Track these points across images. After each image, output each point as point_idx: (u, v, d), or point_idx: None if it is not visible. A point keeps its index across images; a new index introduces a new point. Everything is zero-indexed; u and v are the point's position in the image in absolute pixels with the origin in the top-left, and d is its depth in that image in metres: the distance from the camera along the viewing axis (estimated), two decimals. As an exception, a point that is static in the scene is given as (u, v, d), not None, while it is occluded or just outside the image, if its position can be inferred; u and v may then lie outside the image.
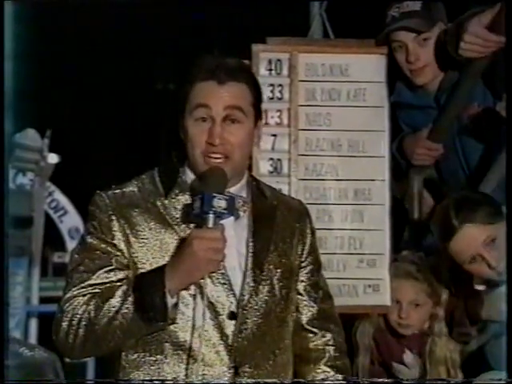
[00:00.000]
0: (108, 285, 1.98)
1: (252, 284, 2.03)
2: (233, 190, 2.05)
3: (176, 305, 1.93)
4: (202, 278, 1.92)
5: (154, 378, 1.99)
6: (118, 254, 2.01)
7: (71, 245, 8.33)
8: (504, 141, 2.32)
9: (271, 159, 2.78)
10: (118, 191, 2.07)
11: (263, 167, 2.77)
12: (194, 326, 1.97)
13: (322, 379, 2.15)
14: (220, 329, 1.99)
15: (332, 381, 2.15)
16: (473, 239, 2.48)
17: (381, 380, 2.71)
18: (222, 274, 2.00)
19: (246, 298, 2.02)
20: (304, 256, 2.17)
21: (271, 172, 2.77)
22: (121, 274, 2.00)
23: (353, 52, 2.84)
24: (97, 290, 1.97)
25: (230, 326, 1.99)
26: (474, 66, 2.70)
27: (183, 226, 2.01)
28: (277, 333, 2.07)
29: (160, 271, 1.92)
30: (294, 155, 2.78)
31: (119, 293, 1.94)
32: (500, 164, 2.63)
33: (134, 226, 2.02)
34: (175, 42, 6.83)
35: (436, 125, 2.94)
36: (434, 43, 2.85)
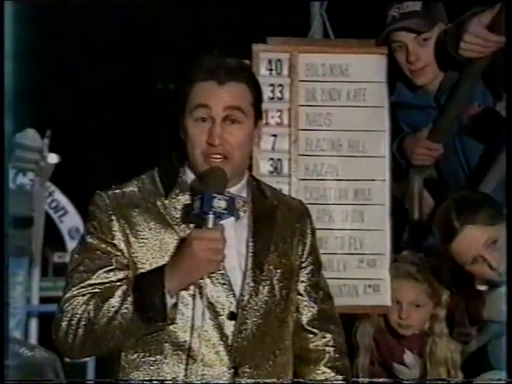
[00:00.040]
0: (108, 285, 1.98)
1: (252, 284, 2.03)
2: (233, 190, 2.05)
3: (175, 305, 1.93)
4: (202, 279, 1.91)
5: (154, 378, 1.99)
6: (118, 253, 2.01)
7: (71, 245, 8.34)
8: (504, 141, 2.32)
9: (271, 159, 2.78)
10: (118, 191, 2.07)
11: (263, 167, 2.76)
12: (193, 326, 1.97)
13: (322, 380, 2.15)
14: (220, 329, 1.98)
15: (332, 381, 2.15)
16: (474, 240, 2.49)
17: (381, 380, 2.71)
18: (222, 274, 2.00)
19: (246, 298, 2.02)
20: (304, 256, 2.17)
21: (271, 172, 2.77)
22: (121, 274, 2.00)
23: (353, 52, 2.84)
24: (96, 290, 1.97)
25: (229, 327, 1.99)
26: (474, 66, 2.70)
27: (183, 226, 2.01)
28: (277, 333, 2.07)
29: (159, 271, 1.92)
30: (294, 155, 2.78)
31: (119, 293, 1.94)
32: (500, 164, 2.63)
33: (134, 226, 2.02)
34: (175, 42, 6.83)
35: (436, 125, 2.94)
36: (434, 43, 2.85)
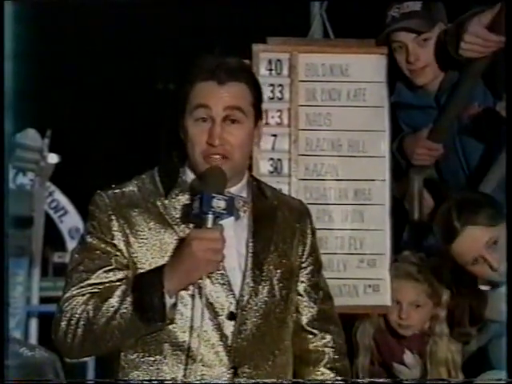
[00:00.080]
0: (107, 285, 1.98)
1: (252, 284, 2.03)
2: (233, 190, 2.05)
3: (175, 305, 1.93)
4: (201, 279, 1.91)
5: (153, 378, 1.99)
6: (118, 253, 2.01)
7: (71, 245, 8.33)
8: (504, 141, 2.32)
9: (271, 159, 2.78)
10: (117, 191, 2.07)
11: (263, 167, 2.76)
12: (192, 326, 1.97)
13: (322, 380, 2.15)
14: (219, 329, 1.98)
15: (332, 380, 2.15)
16: (475, 241, 2.49)
17: (381, 380, 2.71)
18: (222, 274, 2.00)
19: (246, 298, 2.01)
20: (304, 256, 2.17)
21: (271, 172, 2.77)
22: (120, 274, 2.00)
23: (353, 52, 2.84)
24: (96, 290, 1.97)
25: (229, 327, 1.99)
26: (474, 66, 2.70)
27: (183, 226, 2.01)
28: (276, 334, 2.07)
29: (159, 271, 1.92)
30: (294, 155, 2.77)
31: (118, 293, 1.94)
32: (500, 164, 2.63)
33: (134, 225, 2.02)
34: (175, 41, 6.82)
35: (436, 125, 2.94)
36: (434, 43, 2.85)
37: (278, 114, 2.79)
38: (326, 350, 2.17)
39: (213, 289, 1.99)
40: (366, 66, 2.83)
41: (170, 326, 1.97)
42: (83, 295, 1.97)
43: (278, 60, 2.81)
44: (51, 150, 7.08)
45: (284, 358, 2.09)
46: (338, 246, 2.76)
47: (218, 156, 1.99)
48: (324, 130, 2.80)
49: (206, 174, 1.96)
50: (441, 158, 3.00)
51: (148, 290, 1.90)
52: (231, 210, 1.90)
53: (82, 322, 1.94)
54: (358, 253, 2.77)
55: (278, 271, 2.07)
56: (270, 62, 2.81)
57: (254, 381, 2.00)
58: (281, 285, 2.07)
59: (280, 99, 2.80)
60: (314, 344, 2.17)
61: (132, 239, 2.01)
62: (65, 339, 1.96)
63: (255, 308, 2.02)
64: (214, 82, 2.00)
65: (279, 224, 2.12)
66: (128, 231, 2.01)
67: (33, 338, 7.11)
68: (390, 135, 2.84)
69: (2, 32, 2.20)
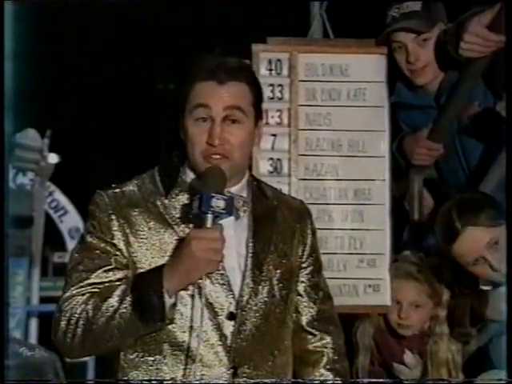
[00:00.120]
0: (107, 284, 1.98)
1: (251, 285, 2.02)
2: (233, 189, 2.05)
3: (174, 305, 1.93)
4: (201, 279, 1.91)
5: (153, 378, 1.99)
6: (118, 253, 2.01)
7: (71, 245, 8.34)
8: (504, 141, 2.32)
9: (271, 159, 2.78)
10: (117, 190, 2.06)
11: (263, 167, 2.76)
12: (192, 326, 1.96)
13: (321, 380, 2.15)
14: (219, 329, 1.98)
15: (332, 381, 2.15)
16: (476, 242, 2.49)
17: (381, 380, 2.71)
18: (221, 274, 1.99)
19: (246, 298, 2.01)
20: (304, 257, 2.16)
21: (271, 172, 2.77)
22: (120, 274, 2.00)
23: (353, 52, 2.84)
24: (96, 290, 1.97)
25: (228, 327, 1.99)
26: (474, 66, 2.70)
27: (183, 226, 2.01)
28: (276, 334, 2.07)
29: (158, 271, 1.92)
30: (294, 155, 2.77)
31: (118, 292, 1.94)
32: (500, 164, 2.63)
33: (134, 225, 2.02)
34: (175, 42, 6.83)
35: (436, 125, 2.93)
36: (434, 43, 2.85)
37: (278, 113, 2.79)
38: (326, 350, 2.17)
39: (212, 289, 1.98)
40: (365, 66, 2.83)
41: (170, 326, 1.96)
42: (83, 295, 1.97)
43: (278, 60, 2.81)
44: (51, 150, 7.09)
45: (284, 358, 2.09)
46: (337, 245, 2.76)
47: (217, 156, 1.99)
48: (324, 130, 2.80)
49: (206, 174, 1.96)
50: (441, 157, 3.00)
51: (147, 290, 1.89)
52: (231, 209, 1.90)
53: (82, 322, 1.94)
54: (357, 253, 2.77)
55: (278, 271, 2.07)
56: (269, 61, 2.81)
57: (253, 381, 1.99)
58: (281, 285, 2.07)
59: (280, 99, 2.80)
60: (314, 345, 2.17)
61: (132, 239, 2.01)
62: (64, 339, 1.96)
63: (255, 308, 2.02)
64: (213, 81, 2.00)
65: (279, 224, 2.12)
66: (128, 231, 2.01)
67: (33, 338, 7.12)
68: (390, 135, 2.83)
69: (2, 32, 2.20)
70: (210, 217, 1.87)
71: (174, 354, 1.98)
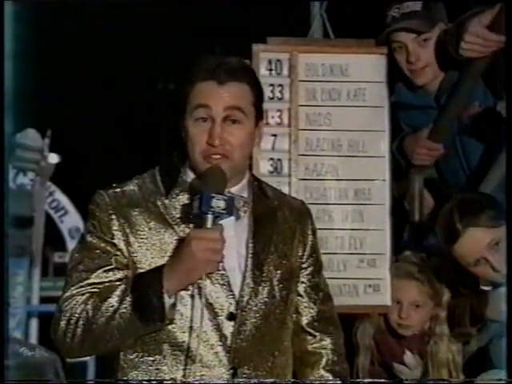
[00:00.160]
0: (107, 284, 1.97)
1: (251, 285, 2.02)
2: (234, 190, 2.05)
3: (174, 305, 1.92)
4: (201, 279, 1.91)
5: (152, 378, 1.99)
6: (118, 253, 2.00)
7: (72, 245, 8.34)
8: (504, 141, 2.32)
9: (271, 159, 2.78)
10: (118, 190, 2.06)
11: (263, 167, 2.76)
12: (192, 326, 1.96)
13: (322, 381, 2.15)
14: (219, 330, 1.98)
15: (332, 381, 2.15)
16: (477, 242, 2.49)
17: (381, 380, 2.71)
18: (222, 274, 1.99)
19: (246, 299, 2.01)
20: (305, 257, 2.16)
21: (271, 172, 2.77)
22: (120, 274, 1.99)
23: (353, 52, 2.84)
24: (96, 290, 1.97)
25: (228, 327, 1.98)
26: (474, 66, 2.70)
27: (183, 226, 2.01)
28: (276, 334, 2.06)
29: (158, 271, 1.92)
30: (294, 155, 2.77)
31: (117, 292, 1.94)
32: (500, 164, 2.63)
33: (134, 225, 2.01)
34: (175, 41, 6.83)
35: (436, 125, 2.93)
36: (434, 43, 2.85)
37: (278, 113, 2.79)
38: (325, 352, 2.16)
39: (212, 289, 1.98)
40: (365, 66, 2.83)
41: (170, 326, 1.96)
42: (83, 295, 1.97)
43: (278, 60, 2.81)
44: (51, 150, 7.10)
45: (284, 358, 2.09)
46: (338, 245, 2.76)
47: (218, 156, 1.98)
48: (324, 130, 2.80)
49: (206, 174, 1.96)
50: (441, 157, 3.00)
51: (147, 290, 1.89)
52: (231, 209, 1.89)
53: (82, 322, 1.94)
54: (358, 253, 2.77)
55: (278, 272, 2.07)
56: (270, 62, 2.81)
57: (253, 381, 1.99)
58: (281, 285, 2.07)
59: (280, 99, 2.80)
60: (313, 345, 2.17)
61: (132, 239, 2.01)
62: (64, 339, 1.96)
63: (255, 309, 2.02)
64: (214, 81, 1.99)
65: (280, 224, 2.11)
66: (128, 231, 2.01)
67: (33, 338, 7.13)
68: (390, 135, 2.84)
69: (2, 32, 2.20)
70: (210, 217, 1.86)
71: (174, 354, 1.98)
